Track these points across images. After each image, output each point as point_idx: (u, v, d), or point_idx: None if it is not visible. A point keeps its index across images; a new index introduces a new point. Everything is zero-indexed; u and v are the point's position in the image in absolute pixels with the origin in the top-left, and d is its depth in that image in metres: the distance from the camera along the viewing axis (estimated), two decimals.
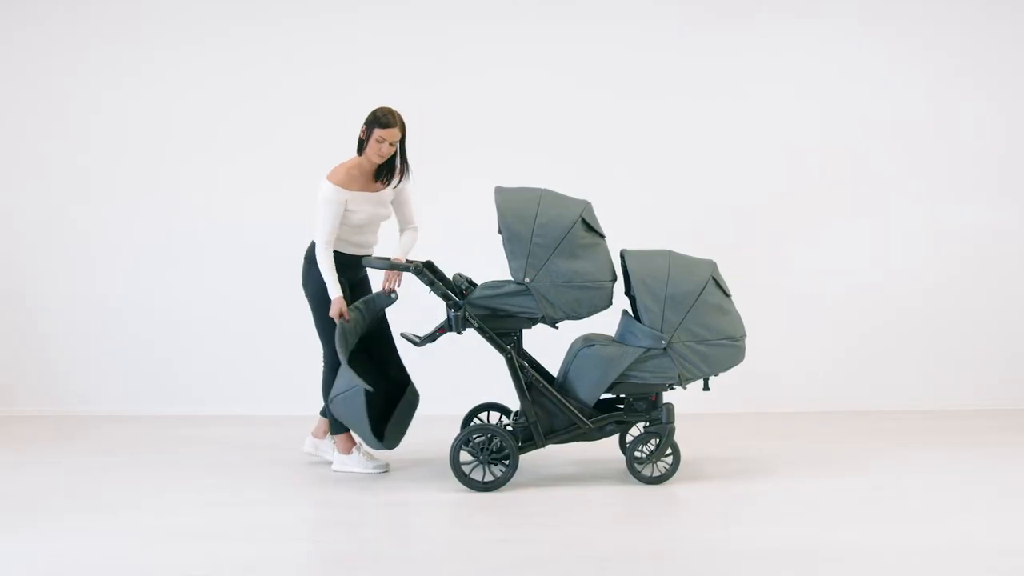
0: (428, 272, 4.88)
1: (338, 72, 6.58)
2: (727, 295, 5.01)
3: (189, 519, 4.40)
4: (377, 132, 4.93)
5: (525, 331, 4.97)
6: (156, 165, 6.60)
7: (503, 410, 5.38)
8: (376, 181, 5.03)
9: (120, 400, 6.59)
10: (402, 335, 4.92)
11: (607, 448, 5.33)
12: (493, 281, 4.87)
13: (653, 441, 4.96)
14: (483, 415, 5.39)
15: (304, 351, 5.82)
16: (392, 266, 4.91)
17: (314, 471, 5.21)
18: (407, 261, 4.96)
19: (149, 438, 5.92)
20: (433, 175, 5.78)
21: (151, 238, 6.61)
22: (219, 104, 6.57)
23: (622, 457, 5.15)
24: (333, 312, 4.85)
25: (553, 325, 4.92)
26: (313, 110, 6.52)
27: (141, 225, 6.62)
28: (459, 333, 4.88)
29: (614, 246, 4.97)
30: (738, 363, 4.99)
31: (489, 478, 4.86)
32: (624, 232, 5.39)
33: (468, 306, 4.84)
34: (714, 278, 4.98)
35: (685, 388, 4.95)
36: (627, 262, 4.99)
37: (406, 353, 5.18)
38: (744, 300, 5.24)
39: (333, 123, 6.05)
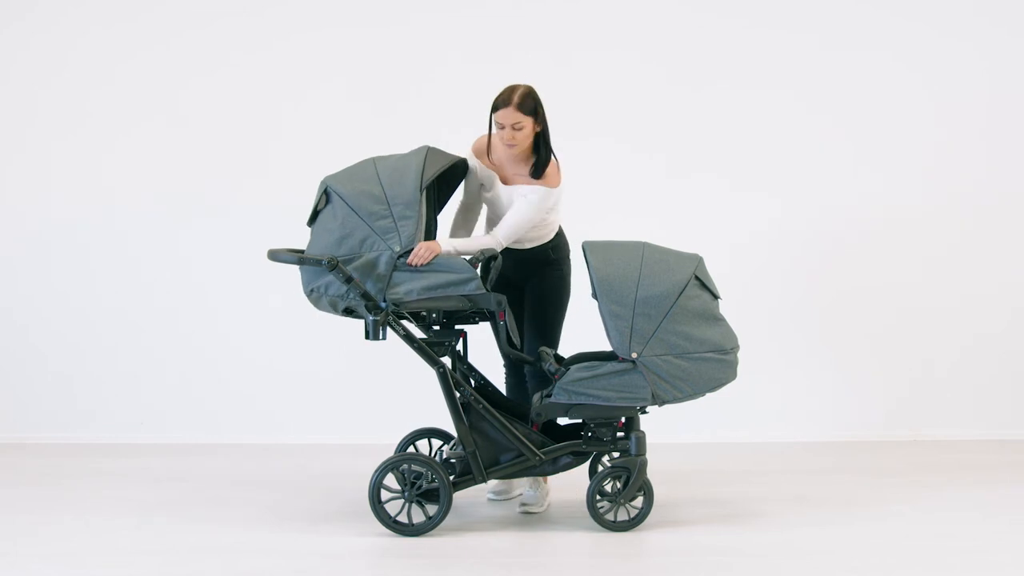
0: (344, 268, 4.01)
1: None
2: (716, 297, 4.15)
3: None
4: (493, 115, 4.24)
5: None
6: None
7: (447, 437, 4.56)
8: (527, 173, 4.30)
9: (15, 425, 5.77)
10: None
11: (569, 480, 4.52)
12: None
13: (621, 478, 4.11)
14: (421, 443, 4.58)
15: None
16: (301, 260, 4.04)
17: (217, 512, 4.40)
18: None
19: (55, 470, 5.16)
20: None
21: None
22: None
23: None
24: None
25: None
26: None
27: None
28: (376, 339, 4.04)
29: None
30: (729, 381, 4.15)
31: (419, 519, 4.05)
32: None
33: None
34: (698, 277, 4.12)
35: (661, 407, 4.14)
36: (589, 257, 4.12)
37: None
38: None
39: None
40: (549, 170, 4.26)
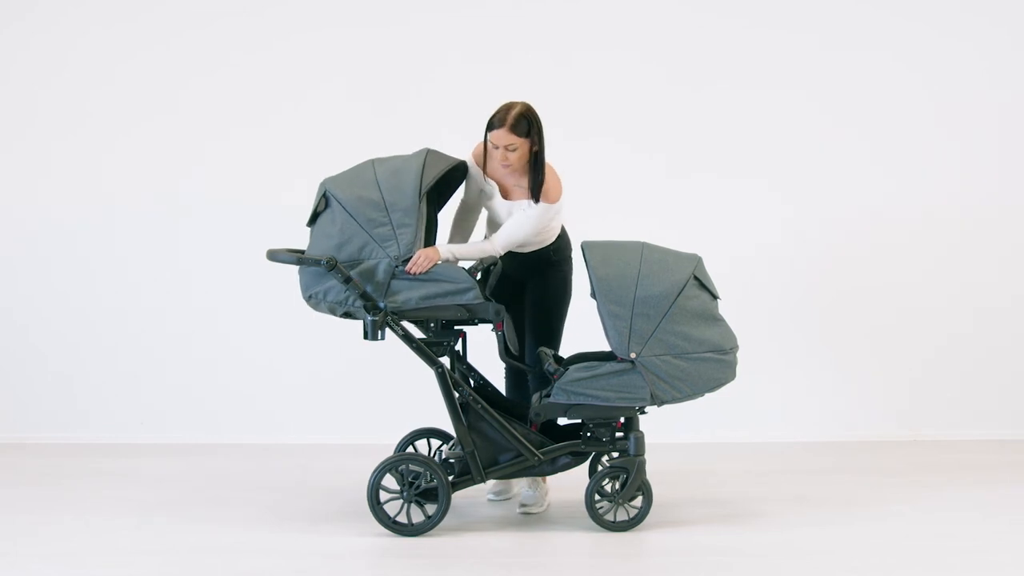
0: (343, 268, 3.99)
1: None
2: (715, 298, 4.15)
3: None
4: (488, 134, 4.16)
5: None
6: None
7: (446, 437, 4.55)
8: (526, 186, 4.24)
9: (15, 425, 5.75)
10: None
11: (569, 481, 4.49)
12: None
13: (619, 478, 4.11)
14: (421, 444, 4.57)
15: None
16: (300, 260, 4.03)
17: (211, 511, 4.40)
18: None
19: (55, 470, 5.14)
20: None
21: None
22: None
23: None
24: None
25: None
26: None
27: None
28: (375, 339, 4.03)
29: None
30: (728, 381, 4.14)
31: (419, 519, 4.04)
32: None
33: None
34: (697, 277, 4.11)
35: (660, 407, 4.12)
36: (588, 257, 4.11)
37: None
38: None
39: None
40: (548, 186, 4.21)
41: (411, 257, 3.99)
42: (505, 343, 4.18)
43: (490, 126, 4.15)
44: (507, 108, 4.15)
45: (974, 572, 3.69)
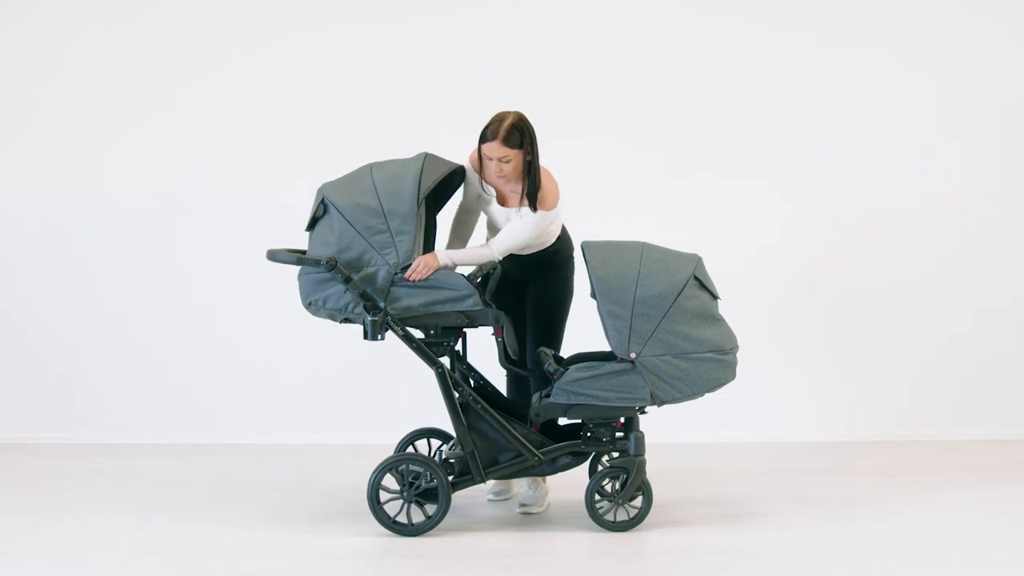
0: (343, 268, 3.99)
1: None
2: (715, 298, 4.15)
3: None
4: (481, 146, 4.14)
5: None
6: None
7: (446, 437, 4.55)
8: (519, 196, 4.23)
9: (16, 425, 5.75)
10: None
11: (569, 481, 4.49)
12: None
13: (619, 478, 4.11)
14: (421, 444, 4.57)
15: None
16: (300, 260, 4.03)
17: (210, 511, 4.39)
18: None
19: (55, 470, 5.14)
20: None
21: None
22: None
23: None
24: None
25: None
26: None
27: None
28: (375, 340, 4.03)
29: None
30: (728, 382, 4.14)
31: (419, 519, 4.04)
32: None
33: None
34: (697, 277, 4.11)
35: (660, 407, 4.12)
36: (588, 257, 4.11)
37: None
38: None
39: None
40: (545, 193, 4.19)
41: (410, 264, 4.00)
42: (505, 349, 4.19)
43: (483, 138, 4.13)
44: (499, 120, 4.13)
45: (974, 572, 3.69)
